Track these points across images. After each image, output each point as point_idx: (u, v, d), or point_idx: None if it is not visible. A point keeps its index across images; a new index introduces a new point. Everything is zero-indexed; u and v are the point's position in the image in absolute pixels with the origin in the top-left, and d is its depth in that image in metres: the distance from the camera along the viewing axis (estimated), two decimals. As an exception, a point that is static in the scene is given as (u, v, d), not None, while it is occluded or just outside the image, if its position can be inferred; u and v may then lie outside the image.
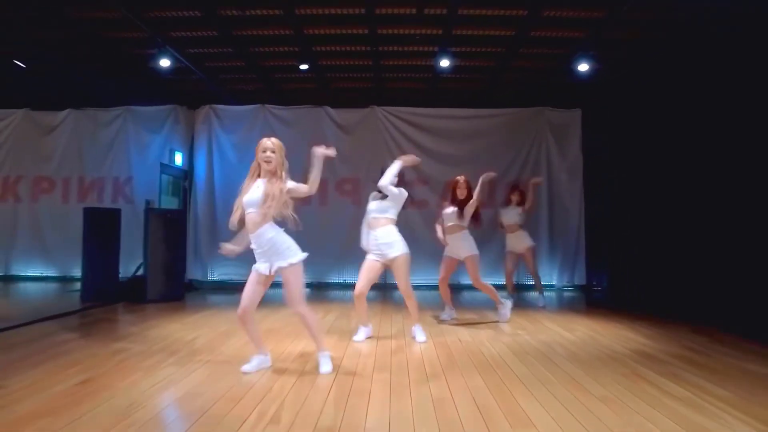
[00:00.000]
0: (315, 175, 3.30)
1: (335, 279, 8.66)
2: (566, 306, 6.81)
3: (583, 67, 5.87)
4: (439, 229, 5.23)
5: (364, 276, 4.39)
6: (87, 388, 2.96)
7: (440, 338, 4.52)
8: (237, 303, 3.41)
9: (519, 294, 7.47)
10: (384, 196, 4.38)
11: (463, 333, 4.78)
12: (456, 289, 8.11)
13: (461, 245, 5.14)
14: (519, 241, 6.60)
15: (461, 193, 5.19)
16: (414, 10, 5.19)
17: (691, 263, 6.78)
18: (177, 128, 8.66)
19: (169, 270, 6.65)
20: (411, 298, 4.44)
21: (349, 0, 5.11)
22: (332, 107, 8.69)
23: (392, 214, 4.42)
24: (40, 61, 6.96)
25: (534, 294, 6.98)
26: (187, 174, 8.59)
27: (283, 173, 3.35)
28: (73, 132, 8.83)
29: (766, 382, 3.24)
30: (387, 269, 4.53)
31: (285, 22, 5.66)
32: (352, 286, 8.47)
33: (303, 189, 3.35)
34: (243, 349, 3.92)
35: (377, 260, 4.39)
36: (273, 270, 3.31)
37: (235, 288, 7.93)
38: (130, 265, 7.31)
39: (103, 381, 3.08)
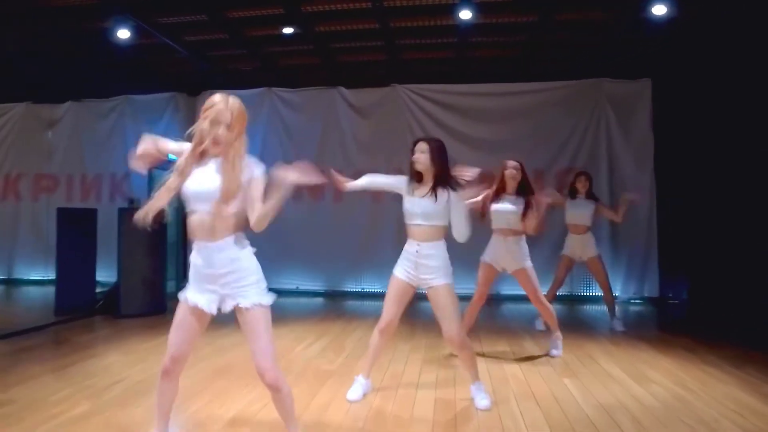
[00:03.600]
0: (270, 205, 2.06)
1: (351, 287, 7.49)
2: (633, 329, 5.17)
3: (659, 9, 4.27)
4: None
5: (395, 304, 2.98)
6: None
7: (444, 392, 3.20)
8: (221, 315, 2.18)
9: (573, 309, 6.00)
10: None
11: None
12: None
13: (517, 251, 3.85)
14: (585, 247, 5.05)
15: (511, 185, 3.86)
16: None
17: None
18: (177, 117, 7.83)
19: (148, 279, 5.73)
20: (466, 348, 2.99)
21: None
22: (347, 87, 7.51)
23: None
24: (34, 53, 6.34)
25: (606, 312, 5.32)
26: (187, 168, 7.72)
27: (242, 155, 2.11)
28: (74, 126, 8.24)
29: None
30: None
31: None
32: (369, 296, 7.47)
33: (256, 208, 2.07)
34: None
35: (410, 283, 2.95)
36: (227, 308, 2.11)
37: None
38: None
39: None
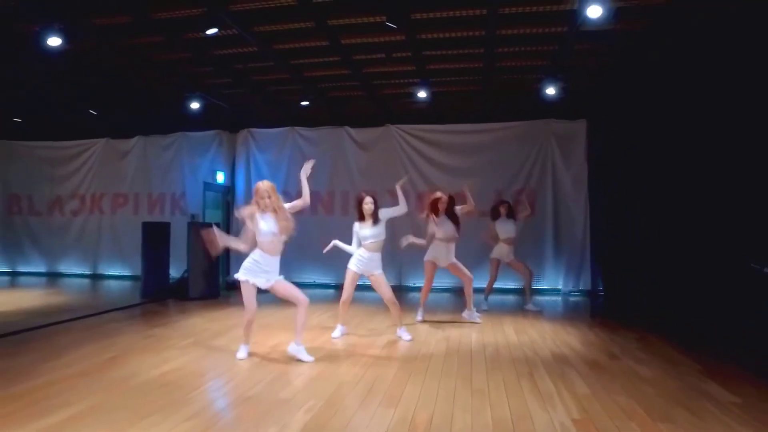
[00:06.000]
0: (305, 189, 4.48)
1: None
2: (568, 312, 7.17)
3: (551, 90, 6.39)
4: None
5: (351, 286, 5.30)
6: (115, 360, 4.23)
7: (393, 337, 5.34)
8: (259, 302, 4.46)
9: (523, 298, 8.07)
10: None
11: (421, 333, 5.52)
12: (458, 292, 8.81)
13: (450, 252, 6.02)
14: (509, 252, 7.04)
15: (443, 208, 6.01)
16: (383, 55, 6.08)
17: (690, 272, 6.80)
18: (221, 150, 10.15)
19: (207, 273, 8.03)
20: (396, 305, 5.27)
21: (329, 51, 6.09)
22: (351, 127, 9.71)
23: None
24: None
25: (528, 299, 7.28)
26: (229, 189, 10.04)
27: (282, 205, 4.32)
28: (141, 155, 10.63)
29: (638, 383, 3.77)
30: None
31: (284, 68, 6.83)
32: (368, 287, 9.58)
33: (299, 204, 4.42)
34: (229, 343, 5.03)
35: (359, 273, 5.22)
36: (271, 284, 4.36)
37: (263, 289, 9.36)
38: (182, 268, 8.85)
39: (128, 356, 4.40)
